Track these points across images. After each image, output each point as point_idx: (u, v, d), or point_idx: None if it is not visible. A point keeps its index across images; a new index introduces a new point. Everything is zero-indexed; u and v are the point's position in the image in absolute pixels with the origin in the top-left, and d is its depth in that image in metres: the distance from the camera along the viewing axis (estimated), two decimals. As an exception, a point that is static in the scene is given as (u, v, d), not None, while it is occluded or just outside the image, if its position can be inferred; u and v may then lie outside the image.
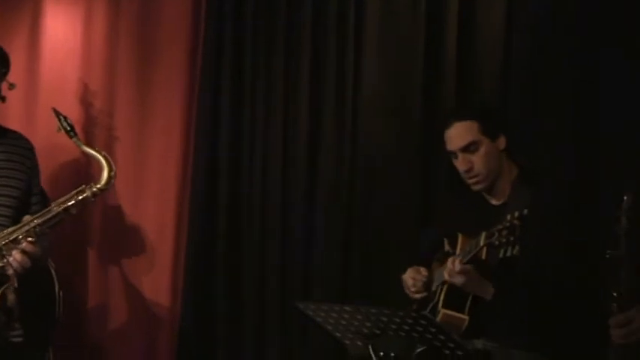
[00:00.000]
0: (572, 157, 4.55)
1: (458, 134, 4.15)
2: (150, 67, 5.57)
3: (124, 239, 5.59)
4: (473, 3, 4.99)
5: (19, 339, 4.09)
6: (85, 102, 5.54)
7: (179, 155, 5.51)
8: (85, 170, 5.45)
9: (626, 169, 4.13)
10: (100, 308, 5.55)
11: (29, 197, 4.27)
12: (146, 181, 5.58)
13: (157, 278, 5.52)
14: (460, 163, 4.13)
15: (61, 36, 5.60)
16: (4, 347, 4.02)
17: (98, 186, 4.12)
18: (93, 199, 4.15)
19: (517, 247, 3.74)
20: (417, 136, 5.02)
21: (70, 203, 4.02)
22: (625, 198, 3.11)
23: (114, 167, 4.23)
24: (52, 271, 4.84)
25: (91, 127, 5.53)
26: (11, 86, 4.66)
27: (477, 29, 4.99)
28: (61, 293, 4.74)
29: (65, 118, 4.44)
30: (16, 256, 3.85)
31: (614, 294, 3.06)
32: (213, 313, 5.43)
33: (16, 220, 4.08)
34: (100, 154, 4.26)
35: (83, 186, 4.11)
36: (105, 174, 4.15)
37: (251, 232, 5.39)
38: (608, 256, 3.10)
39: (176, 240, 5.51)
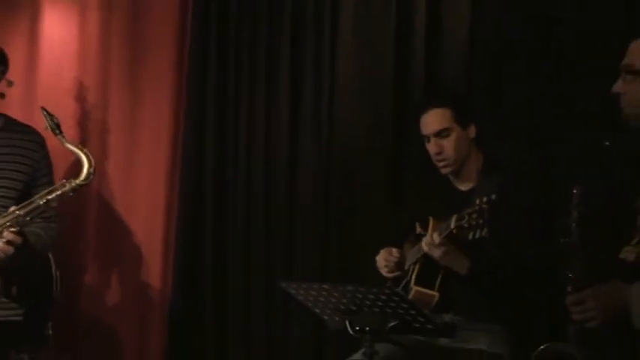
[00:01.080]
0: (531, 149, 4.63)
1: (432, 120, 4.18)
2: (140, 65, 5.56)
3: (117, 224, 5.56)
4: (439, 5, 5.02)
5: (19, 318, 4.09)
6: (80, 98, 5.50)
7: (168, 146, 5.49)
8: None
9: (576, 165, 4.22)
10: (96, 289, 5.50)
11: (31, 189, 4.23)
12: (137, 171, 5.55)
13: (148, 260, 5.51)
14: (432, 147, 4.18)
15: (58, 37, 5.57)
16: (5, 326, 4.03)
17: (77, 181, 4.04)
18: (72, 194, 4.07)
19: (485, 230, 3.71)
20: (388, 129, 5.01)
21: (50, 197, 3.95)
22: (574, 192, 3.20)
23: (93, 164, 4.14)
24: (49, 254, 4.82)
25: (86, 121, 5.50)
26: (10, 83, 4.66)
27: (442, 31, 4.97)
28: (57, 274, 4.72)
29: (52, 116, 4.35)
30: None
31: (570, 276, 3.13)
32: (201, 294, 5.41)
33: None
34: (82, 151, 4.15)
35: (64, 181, 4.03)
36: (85, 170, 4.07)
37: (235, 217, 5.37)
38: (562, 242, 3.20)
39: (166, 225, 5.49)
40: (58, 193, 3.98)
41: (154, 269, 5.50)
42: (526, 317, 3.84)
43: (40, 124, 5.07)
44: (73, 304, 5.38)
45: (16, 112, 5.04)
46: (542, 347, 3.17)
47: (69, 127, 5.38)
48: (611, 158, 3.65)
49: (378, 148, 5.07)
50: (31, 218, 3.96)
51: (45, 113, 4.31)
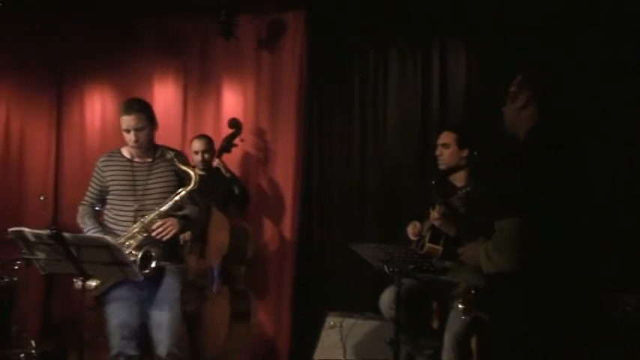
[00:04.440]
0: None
1: (443, 136, 4.26)
2: (277, 111, 5.67)
3: (265, 195, 5.66)
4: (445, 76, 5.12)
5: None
6: (250, 133, 5.68)
7: (293, 154, 5.59)
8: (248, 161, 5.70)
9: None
10: (255, 234, 5.44)
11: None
12: (276, 167, 5.64)
13: (283, 218, 5.58)
14: (437, 151, 4.26)
15: (233, 105, 5.76)
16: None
17: (188, 188, 3.69)
18: (188, 195, 3.72)
19: (464, 208, 3.91)
20: (417, 148, 5.17)
21: (176, 198, 3.69)
22: (461, 192, 3.42)
23: (197, 179, 3.71)
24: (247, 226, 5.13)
25: (252, 142, 5.68)
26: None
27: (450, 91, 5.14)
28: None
29: (170, 150, 3.90)
30: (154, 228, 3.67)
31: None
32: (312, 241, 5.53)
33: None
34: (192, 170, 3.76)
35: (181, 189, 3.71)
36: (192, 182, 3.69)
37: (331, 199, 5.49)
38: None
39: (293, 198, 5.56)
40: (181, 195, 3.70)
41: (287, 223, 5.55)
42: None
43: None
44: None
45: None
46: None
47: (244, 145, 5.54)
48: (479, 163, 3.69)
49: (411, 160, 5.17)
50: (171, 211, 3.69)
51: (167, 149, 3.91)
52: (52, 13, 5.76)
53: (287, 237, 5.56)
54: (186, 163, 3.83)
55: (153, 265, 3.61)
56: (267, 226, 5.65)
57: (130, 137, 3.73)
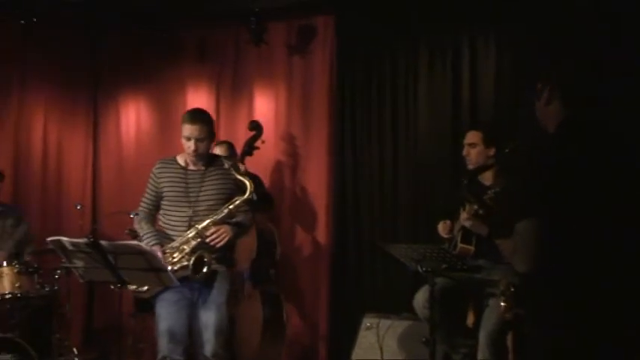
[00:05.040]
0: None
1: (469, 136, 4.27)
2: (308, 115, 5.74)
3: (299, 202, 5.72)
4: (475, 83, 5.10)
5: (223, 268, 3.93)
6: (281, 137, 5.79)
7: (325, 156, 5.64)
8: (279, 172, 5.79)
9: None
10: (288, 240, 5.61)
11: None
12: (310, 169, 5.70)
13: (317, 223, 5.64)
14: (464, 151, 4.27)
15: (265, 111, 5.83)
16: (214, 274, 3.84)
17: (244, 197, 3.78)
18: (243, 204, 3.82)
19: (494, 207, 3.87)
20: (447, 148, 5.12)
21: (231, 207, 3.77)
22: (491, 192, 3.38)
23: (252, 188, 3.81)
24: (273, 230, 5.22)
25: (284, 146, 5.77)
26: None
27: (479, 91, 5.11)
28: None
29: (229, 159, 4.15)
30: (208, 234, 3.74)
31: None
32: (346, 244, 5.54)
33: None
34: (247, 180, 3.83)
35: (237, 197, 3.79)
36: (248, 191, 3.77)
37: (362, 200, 5.51)
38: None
39: (327, 203, 5.60)
40: (235, 204, 3.79)
41: (321, 226, 5.61)
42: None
43: (261, 157, 5.43)
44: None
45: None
46: None
47: (276, 151, 5.70)
48: (510, 161, 3.68)
49: (443, 160, 5.14)
50: (223, 220, 3.77)
51: (224, 159, 4.10)
52: (87, 25, 5.95)
53: (321, 240, 5.60)
54: (242, 173, 3.94)
55: (205, 269, 3.70)
56: (302, 230, 5.70)
57: (189, 145, 3.80)
